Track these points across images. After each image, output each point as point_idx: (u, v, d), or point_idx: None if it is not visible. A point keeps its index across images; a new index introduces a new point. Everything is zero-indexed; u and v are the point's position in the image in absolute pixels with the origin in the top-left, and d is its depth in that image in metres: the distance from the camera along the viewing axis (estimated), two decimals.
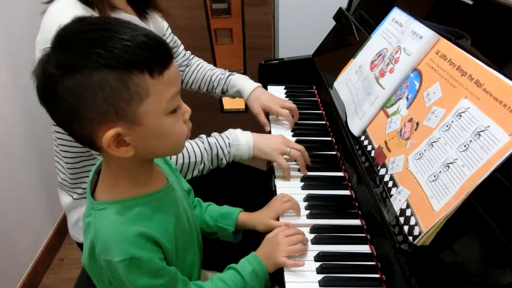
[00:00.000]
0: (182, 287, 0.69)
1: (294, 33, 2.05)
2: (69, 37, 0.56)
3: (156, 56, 0.57)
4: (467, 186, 0.58)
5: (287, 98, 1.38)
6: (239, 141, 0.99)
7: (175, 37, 1.27)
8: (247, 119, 2.34)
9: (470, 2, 0.79)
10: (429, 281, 0.64)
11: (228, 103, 2.26)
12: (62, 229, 1.85)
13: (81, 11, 0.87)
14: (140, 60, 0.55)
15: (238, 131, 1.02)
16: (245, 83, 1.24)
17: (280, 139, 1.02)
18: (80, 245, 1.04)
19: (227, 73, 1.29)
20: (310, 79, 1.44)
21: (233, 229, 0.87)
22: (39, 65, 0.56)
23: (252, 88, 1.22)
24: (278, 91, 1.40)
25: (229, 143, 0.99)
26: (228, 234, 0.88)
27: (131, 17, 0.95)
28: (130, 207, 0.64)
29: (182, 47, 1.30)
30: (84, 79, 0.53)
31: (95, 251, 0.63)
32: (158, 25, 1.14)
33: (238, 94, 1.26)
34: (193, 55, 1.35)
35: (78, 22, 0.58)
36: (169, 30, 1.22)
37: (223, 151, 0.98)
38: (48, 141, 1.72)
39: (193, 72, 1.31)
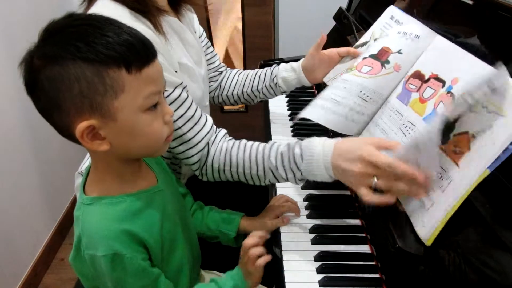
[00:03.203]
0: None
1: (294, 33, 2.05)
2: (55, 30, 0.58)
3: (136, 52, 0.58)
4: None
5: (287, 99, 1.38)
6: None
7: (210, 44, 1.16)
8: (247, 119, 2.34)
9: (470, 2, 0.79)
10: (429, 281, 0.64)
11: None
12: (62, 229, 1.85)
13: (128, 17, 0.77)
14: (118, 55, 0.56)
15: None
16: (293, 63, 1.09)
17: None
18: None
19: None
20: None
21: (234, 234, 0.88)
22: (25, 56, 0.57)
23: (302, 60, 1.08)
24: None
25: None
26: (229, 239, 0.89)
27: (173, 20, 0.90)
28: (116, 204, 0.65)
29: (218, 56, 1.19)
30: (62, 70, 0.55)
31: (80, 245, 0.64)
32: (193, 26, 1.04)
33: (291, 74, 1.08)
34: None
35: (67, 17, 0.60)
36: (205, 34, 1.13)
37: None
38: (48, 141, 1.72)
39: (235, 75, 1.18)
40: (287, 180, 0.81)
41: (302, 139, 0.87)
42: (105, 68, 0.56)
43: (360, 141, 0.73)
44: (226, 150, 0.84)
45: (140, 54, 0.59)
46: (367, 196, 0.68)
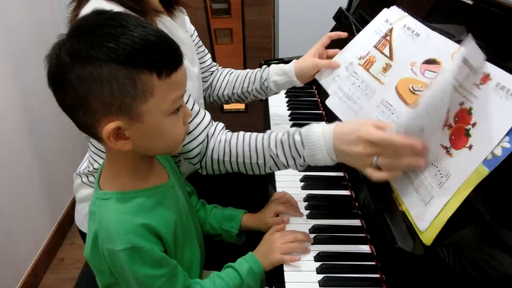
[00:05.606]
0: (183, 280, 0.70)
1: (294, 33, 2.05)
2: (86, 28, 0.58)
3: (167, 58, 0.59)
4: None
5: (287, 99, 1.38)
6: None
7: (202, 43, 1.17)
8: (247, 119, 2.34)
9: (470, 2, 0.79)
10: (429, 281, 0.64)
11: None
12: (62, 229, 1.85)
13: None
14: (151, 60, 0.57)
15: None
16: (283, 65, 1.10)
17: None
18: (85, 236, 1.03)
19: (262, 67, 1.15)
20: None
21: (237, 231, 0.88)
22: (53, 50, 0.57)
23: (293, 63, 1.08)
24: None
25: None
26: (232, 236, 0.89)
27: (166, 19, 0.90)
28: (132, 199, 0.66)
29: (209, 55, 1.20)
30: (94, 70, 0.55)
31: (98, 240, 0.64)
32: (185, 25, 1.07)
33: (282, 77, 1.09)
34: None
35: (98, 14, 0.60)
36: (196, 33, 1.14)
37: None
38: (48, 142, 1.72)
39: (226, 75, 1.18)
40: (288, 167, 0.82)
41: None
42: (137, 72, 0.56)
43: (358, 122, 0.74)
44: (225, 141, 0.85)
45: (171, 59, 0.60)
46: (374, 175, 0.70)
